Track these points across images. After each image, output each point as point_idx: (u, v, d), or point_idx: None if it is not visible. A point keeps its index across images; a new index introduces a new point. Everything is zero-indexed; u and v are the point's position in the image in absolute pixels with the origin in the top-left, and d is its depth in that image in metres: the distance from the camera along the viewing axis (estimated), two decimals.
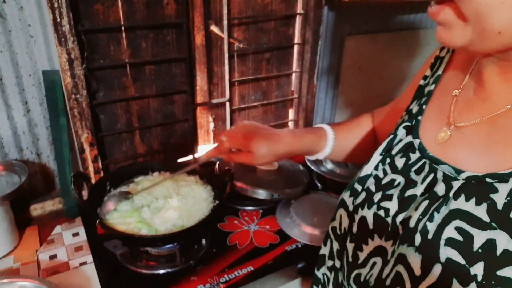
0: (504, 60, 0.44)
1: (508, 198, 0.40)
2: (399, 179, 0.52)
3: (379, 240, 0.51)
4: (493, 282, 0.38)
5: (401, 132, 0.57)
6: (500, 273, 0.38)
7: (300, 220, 1.00)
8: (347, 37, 1.41)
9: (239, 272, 0.86)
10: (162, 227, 0.82)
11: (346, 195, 0.59)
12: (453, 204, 0.44)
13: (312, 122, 1.46)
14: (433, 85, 0.57)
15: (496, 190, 0.41)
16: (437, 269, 0.42)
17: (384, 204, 0.52)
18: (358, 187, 0.57)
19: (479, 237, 0.40)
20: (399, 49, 1.54)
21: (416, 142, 0.53)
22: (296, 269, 0.91)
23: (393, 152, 0.56)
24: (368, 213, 0.53)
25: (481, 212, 0.41)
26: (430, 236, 0.44)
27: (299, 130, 0.76)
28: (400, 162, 0.54)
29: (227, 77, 1.23)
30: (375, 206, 0.53)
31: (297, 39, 1.32)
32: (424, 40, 1.59)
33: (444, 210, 0.44)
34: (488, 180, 0.42)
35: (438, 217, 0.44)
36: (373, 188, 0.55)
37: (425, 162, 0.50)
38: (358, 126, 0.80)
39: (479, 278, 0.39)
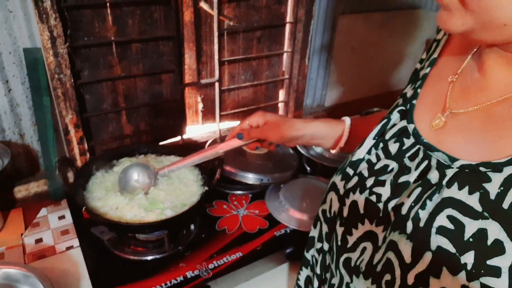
0: (508, 52, 0.43)
1: (501, 188, 0.40)
2: (393, 164, 0.52)
3: (369, 225, 0.51)
4: (482, 271, 0.39)
5: (395, 116, 0.55)
6: (490, 262, 0.38)
7: (289, 205, 1.00)
8: (340, 16, 1.37)
9: (228, 258, 0.86)
10: (152, 212, 0.81)
11: (337, 179, 0.58)
12: (446, 192, 0.44)
13: (303, 104, 1.44)
14: (428, 69, 0.56)
15: (489, 180, 0.41)
16: (427, 257, 0.42)
17: (377, 189, 0.51)
18: (350, 171, 0.56)
19: (471, 226, 0.40)
20: (393, 29, 1.52)
21: (411, 127, 0.52)
22: (284, 254, 0.92)
23: (387, 136, 0.55)
24: (360, 198, 0.53)
25: (473, 201, 0.41)
26: (421, 224, 0.44)
27: (317, 119, 0.78)
28: (393, 148, 0.53)
29: (216, 56, 1.20)
30: (367, 191, 0.52)
31: (289, 17, 1.28)
32: (419, 20, 1.56)
33: (436, 198, 0.44)
34: (481, 169, 0.42)
35: (430, 205, 0.44)
36: (365, 173, 0.54)
37: (419, 149, 0.50)
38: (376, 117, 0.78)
39: (469, 267, 0.39)
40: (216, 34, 1.16)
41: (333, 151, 0.78)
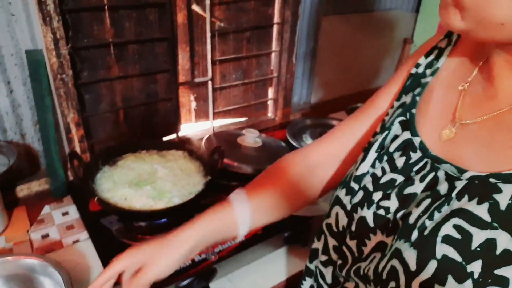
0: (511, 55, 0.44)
1: None
2: (400, 178, 0.51)
3: (381, 235, 0.51)
4: (489, 281, 0.38)
5: (396, 126, 0.54)
6: (498, 272, 0.38)
7: None
8: (323, 17, 1.45)
9: (231, 243, 0.91)
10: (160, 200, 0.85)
11: (341, 193, 0.57)
12: (456, 204, 0.43)
13: (291, 100, 1.51)
14: (430, 77, 0.55)
15: (500, 191, 0.41)
16: (432, 265, 0.42)
17: (383, 203, 0.51)
18: (355, 185, 0.55)
19: (478, 236, 0.40)
20: (372, 29, 1.61)
21: (416, 140, 0.51)
22: (283, 238, 0.98)
23: (391, 149, 0.53)
24: (368, 213, 0.52)
25: (482, 211, 0.41)
26: (426, 233, 0.44)
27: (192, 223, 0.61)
28: (400, 161, 0.52)
29: (209, 56, 1.25)
30: (374, 206, 0.51)
31: (276, 18, 1.35)
32: (395, 20, 1.66)
33: (445, 210, 0.44)
34: (492, 180, 0.42)
35: (438, 216, 0.44)
36: (370, 187, 0.53)
37: (426, 162, 0.49)
38: (273, 176, 0.71)
39: (476, 276, 0.39)
40: (208, 35, 1.21)
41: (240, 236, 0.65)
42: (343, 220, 0.56)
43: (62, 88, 0.99)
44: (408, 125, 0.53)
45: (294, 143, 1.25)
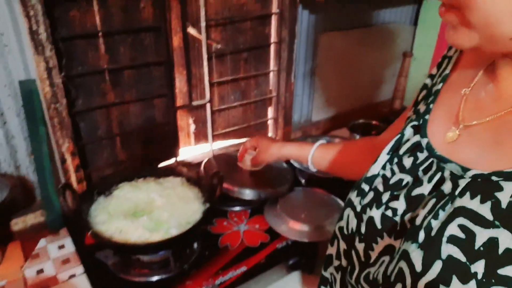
0: None
1: None
2: (407, 178, 0.52)
3: (388, 239, 0.51)
4: (493, 281, 0.38)
5: (409, 131, 0.56)
6: (501, 271, 0.38)
7: (288, 217, 1.02)
8: (322, 34, 1.44)
9: (233, 273, 0.87)
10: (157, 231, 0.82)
11: (353, 195, 0.58)
12: (458, 202, 0.44)
13: (291, 119, 1.48)
14: (441, 84, 0.57)
15: (501, 188, 0.41)
16: (437, 266, 0.42)
17: (392, 204, 0.52)
18: (366, 186, 0.56)
19: (482, 235, 0.41)
20: (371, 44, 1.59)
21: (424, 141, 0.53)
22: (287, 266, 0.94)
23: (401, 151, 0.55)
24: (376, 213, 0.53)
25: (485, 210, 0.41)
26: (433, 233, 0.44)
27: (294, 142, 0.96)
28: (408, 162, 0.53)
29: (206, 79, 1.23)
30: (383, 207, 0.52)
31: (273, 38, 1.33)
32: (395, 34, 1.64)
33: (449, 208, 0.44)
34: (494, 178, 0.42)
35: (442, 215, 0.44)
36: (381, 188, 0.54)
37: (432, 161, 0.50)
38: (345, 143, 0.87)
39: (479, 276, 0.39)
40: (205, 57, 1.20)
41: (313, 170, 0.91)
42: (353, 222, 0.57)
43: (56, 117, 0.96)
44: (420, 129, 0.55)
45: (295, 164, 1.22)
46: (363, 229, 0.55)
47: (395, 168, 0.55)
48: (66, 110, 0.98)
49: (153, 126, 1.21)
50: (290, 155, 0.96)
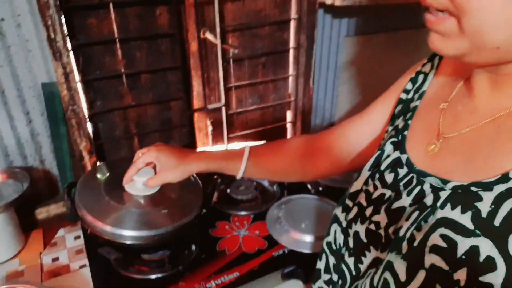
0: (495, 74, 0.46)
1: (492, 206, 0.41)
2: (389, 193, 0.54)
3: (375, 251, 0.53)
4: None
5: (388, 147, 0.58)
6: (482, 279, 0.39)
7: (288, 226, 1.03)
8: (344, 38, 1.41)
9: (225, 278, 0.90)
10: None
11: (338, 211, 0.60)
12: (440, 213, 0.45)
13: (311, 124, 1.47)
14: (418, 101, 0.58)
15: (480, 199, 0.42)
16: (421, 275, 0.43)
17: (374, 218, 0.53)
18: (350, 202, 0.58)
19: (463, 244, 0.42)
20: (397, 49, 1.53)
21: (404, 157, 0.55)
22: (281, 274, 0.94)
23: (382, 167, 0.57)
24: (361, 228, 0.55)
25: (465, 219, 0.42)
26: (415, 244, 0.45)
27: (211, 151, 0.81)
28: (389, 177, 0.55)
29: (221, 83, 1.26)
30: (367, 221, 0.54)
31: (292, 43, 1.33)
32: (421, 39, 1.57)
33: (431, 220, 0.46)
34: (473, 188, 0.43)
35: (425, 226, 0.46)
36: (364, 203, 0.56)
37: (412, 177, 0.52)
38: (278, 146, 0.84)
39: (462, 283, 0.40)
40: (220, 62, 1.22)
41: (237, 177, 0.80)
42: (340, 238, 0.59)
43: (73, 118, 1.04)
44: (399, 145, 0.57)
45: None
46: (351, 244, 0.57)
47: (378, 183, 0.57)
48: (83, 111, 1.04)
49: (170, 127, 1.26)
50: (208, 170, 0.78)
